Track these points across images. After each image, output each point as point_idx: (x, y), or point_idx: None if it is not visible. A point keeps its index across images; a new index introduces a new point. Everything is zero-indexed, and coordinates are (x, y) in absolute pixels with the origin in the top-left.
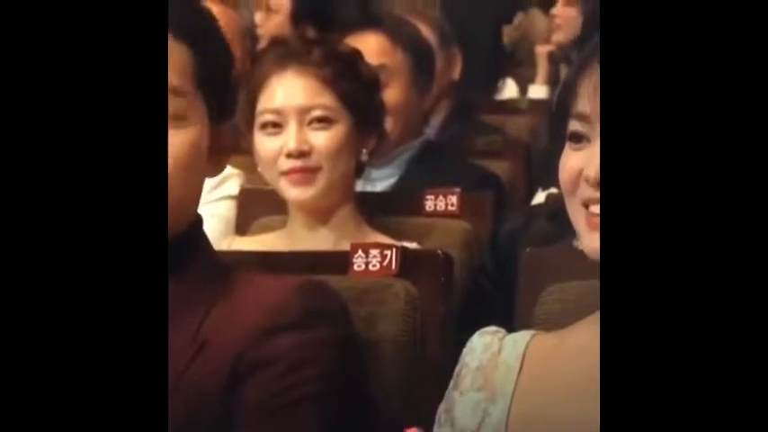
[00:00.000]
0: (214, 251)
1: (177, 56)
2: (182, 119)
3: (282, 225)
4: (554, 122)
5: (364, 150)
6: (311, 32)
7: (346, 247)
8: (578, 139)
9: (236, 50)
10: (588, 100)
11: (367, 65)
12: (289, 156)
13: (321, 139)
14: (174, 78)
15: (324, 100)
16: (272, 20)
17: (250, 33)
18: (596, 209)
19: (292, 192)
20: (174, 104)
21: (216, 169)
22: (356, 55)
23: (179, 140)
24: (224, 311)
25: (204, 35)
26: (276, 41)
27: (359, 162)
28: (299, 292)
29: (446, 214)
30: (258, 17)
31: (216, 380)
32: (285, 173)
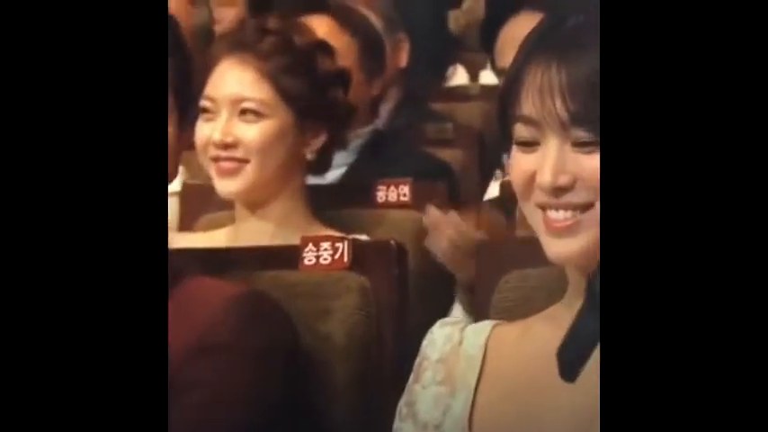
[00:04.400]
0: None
1: None
2: None
3: (230, 221)
4: (500, 124)
5: (311, 147)
6: (273, 22)
7: (295, 241)
8: (526, 144)
9: (192, 48)
10: (533, 102)
11: (329, 61)
12: (215, 145)
13: (250, 132)
14: None
15: (259, 93)
16: (230, 13)
17: (207, 30)
18: (554, 213)
19: (219, 183)
20: None
21: (173, 174)
22: (315, 49)
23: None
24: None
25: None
26: (234, 29)
27: (308, 160)
28: (235, 307)
29: (398, 205)
30: (217, 13)
31: None
32: (213, 161)
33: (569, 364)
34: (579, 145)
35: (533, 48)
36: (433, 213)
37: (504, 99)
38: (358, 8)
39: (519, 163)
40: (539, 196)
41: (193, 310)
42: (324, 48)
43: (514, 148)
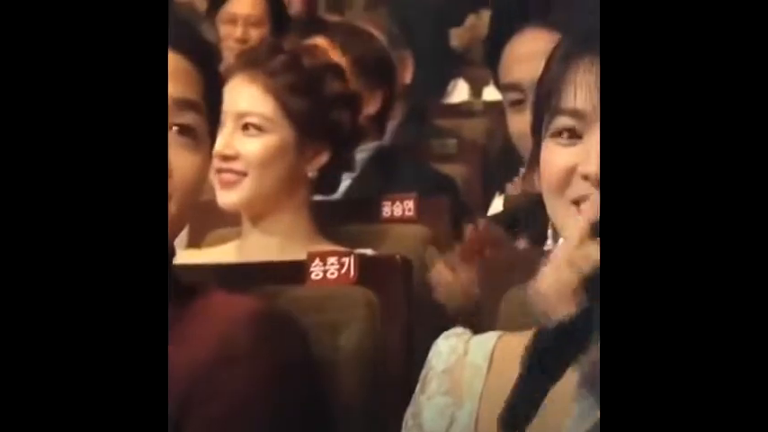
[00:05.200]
0: (174, 270)
1: (186, 70)
2: (190, 133)
3: (237, 236)
4: (535, 118)
5: (313, 166)
6: (287, 43)
7: (301, 256)
8: (570, 134)
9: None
10: (582, 95)
11: (337, 83)
12: (218, 157)
13: (250, 146)
14: (186, 91)
15: (262, 108)
16: (235, 32)
17: (213, 49)
18: (588, 206)
19: (219, 194)
20: (186, 117)
21: (201, 189)
22: (325, 71)
23: (189, 155)
24: (179, 336)
25: (205, 53)
26: (252, 46)
27: (312, 177)
28: (253, 321)
29: (403, 220)
30: (222, 31)
31: (174, 403)
32: (217, 172)
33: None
34: None
35: (576, 45)
36: (440, 271)
37: (544, 92)
38: (360, 26)
39: (557, 156)
40: (578, 190)
41: (213, 325)
42: (334, 70)
43: (550, 143)
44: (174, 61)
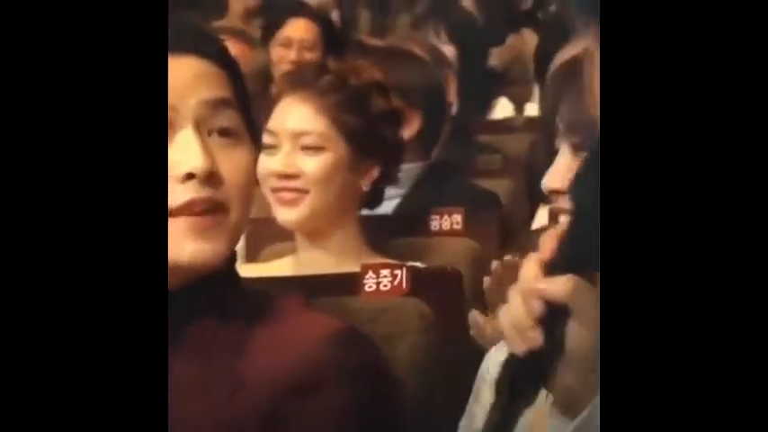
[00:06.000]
0: (246, 280)
1: (223, 79)
2: (231, 134)
3: (291, 251)
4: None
5: (366, 180)
6: (332, 63)
7: (353, 269)
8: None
9: (253, 88)
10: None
11: (383, 101)
12: (277, 177)
13: (310, 165)
14: (220, 91)
15: (318, 127)
16: (288, 54)
17: (266, 71)
18: (546, 239)
19: (279, 212)
20: (224, 118)
21: (249, 206)
22: (371, 89)
23: (236, 157)
24: (259, 349)
25: (226, 55)
26: (298, 67)
27: (365, 191)
28: (335, 344)
29: (451, 233)
30: (274, 54)
31: (256, 419)
32: (274, 191)
33: None
34: None
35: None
36: (474, 318)
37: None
38: (404, 48)
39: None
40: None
41: (293, 346)
42: (379, 88)
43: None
44: (199, 67)
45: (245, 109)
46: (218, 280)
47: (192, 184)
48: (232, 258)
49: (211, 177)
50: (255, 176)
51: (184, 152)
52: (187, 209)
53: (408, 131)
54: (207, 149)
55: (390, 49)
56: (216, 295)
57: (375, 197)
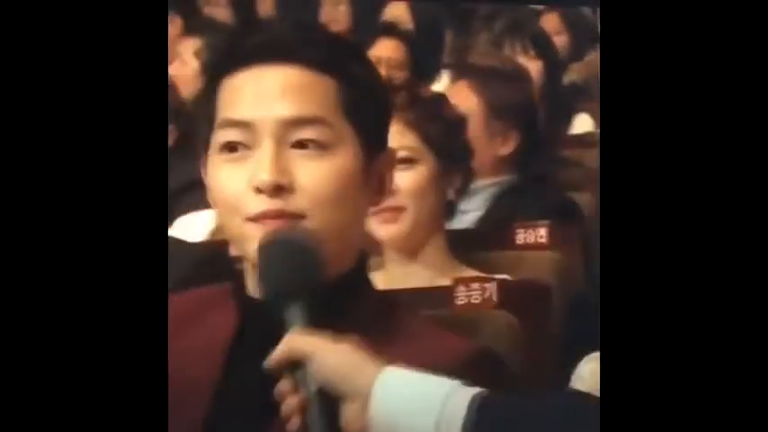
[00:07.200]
0: (377, 288)
1: (320, 87)
2: (327, 147)
3: (379, 266)
4: None
5: (450, 190)
6: (397, 79)
7: (439, 281)
8: None
9: None
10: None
11: (451, 107)
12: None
13: (405, 180)
14: (316, 109)
15: (407, 141)
16: None
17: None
18: None
19: (380, 230)
20: (317, 133)
21: (378, 196)
22: (440, 98)
23: (327, 168)
24: (393, 350)
25: (347, 65)
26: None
27: (448, 201)
28: (472, 367)
29: (536, 247)
30: None
31: None
32: (375, 212)
33: None
34: None
35: None
36: None
37: None
38: (503, 67)
39: None
40: None
41: (428, 361)
42: (442, 98)
43: None
44: (295, 76)
45: (350, 114)
46: (348, 286)
47: (263, 196)
48: (360, 266)
49: (281, 190)
50: (356, 181)
51: (258, 165)
52: (260, 219)
53: (505, 149)
54: (280, 163)
55: (486, 68)
56: (349, 299)
57: (452, 207)
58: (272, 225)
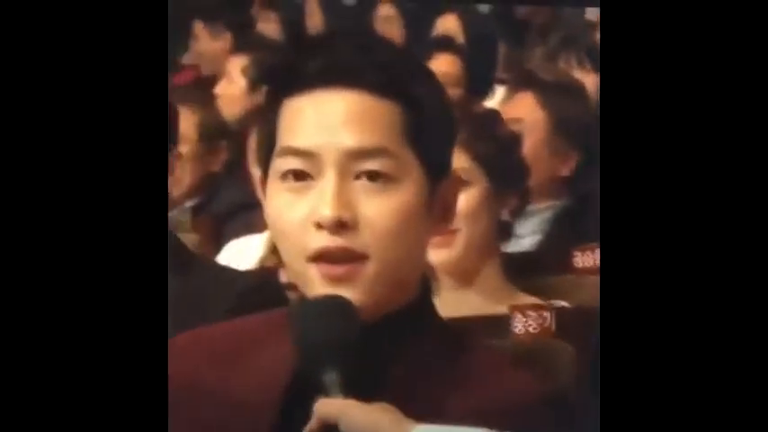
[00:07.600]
0: (441, 315)
1: (383, 114)
2: (392, 179)
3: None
4: None
5: (505, 211)
6: (453, 96)
7: (495, 308)
8: None
9: None
10: None
11: (504, 125)
12: None
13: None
14: (380, 139)
15: (458, 161)
16: None
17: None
18: None
19: (432, 254)
20: (382, 164)
21: (441, 225)
22: (493, 115)
23: (391, 202)
24: (460, 387)
25: (411, 86)
26: None
27: (502, 222)
28: (552, 411)
29: (593, 271)
30: None
31: None
32: None
33: None
34: None
35: None
36: None
37: None
38: (572, 83)
39: None
40: None
41: (499, 399)
42: (495, 115)
43: None
44: (358, 103)
45: (414, 142)
46: (412, 315)
47: (324, 232)
48: (424, 294)
49: (343, 226)
50: (420, 211)
51: (320, 198)
52: (322, 256)
53: (565, 169)
54: (343, 196)
55: (550, 81)
56: (415, 327)
57: (508, 229)
58: (332, 270)
